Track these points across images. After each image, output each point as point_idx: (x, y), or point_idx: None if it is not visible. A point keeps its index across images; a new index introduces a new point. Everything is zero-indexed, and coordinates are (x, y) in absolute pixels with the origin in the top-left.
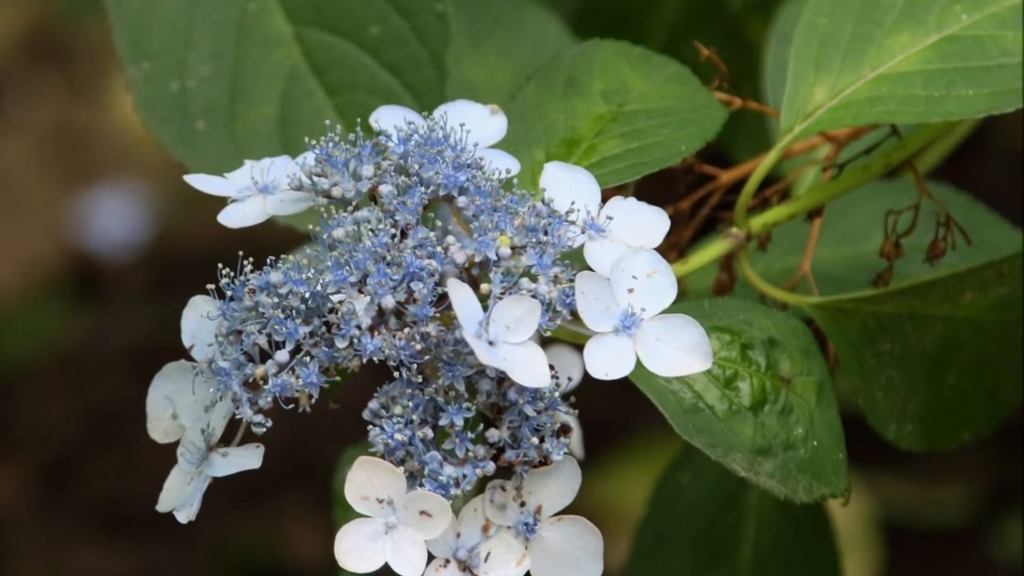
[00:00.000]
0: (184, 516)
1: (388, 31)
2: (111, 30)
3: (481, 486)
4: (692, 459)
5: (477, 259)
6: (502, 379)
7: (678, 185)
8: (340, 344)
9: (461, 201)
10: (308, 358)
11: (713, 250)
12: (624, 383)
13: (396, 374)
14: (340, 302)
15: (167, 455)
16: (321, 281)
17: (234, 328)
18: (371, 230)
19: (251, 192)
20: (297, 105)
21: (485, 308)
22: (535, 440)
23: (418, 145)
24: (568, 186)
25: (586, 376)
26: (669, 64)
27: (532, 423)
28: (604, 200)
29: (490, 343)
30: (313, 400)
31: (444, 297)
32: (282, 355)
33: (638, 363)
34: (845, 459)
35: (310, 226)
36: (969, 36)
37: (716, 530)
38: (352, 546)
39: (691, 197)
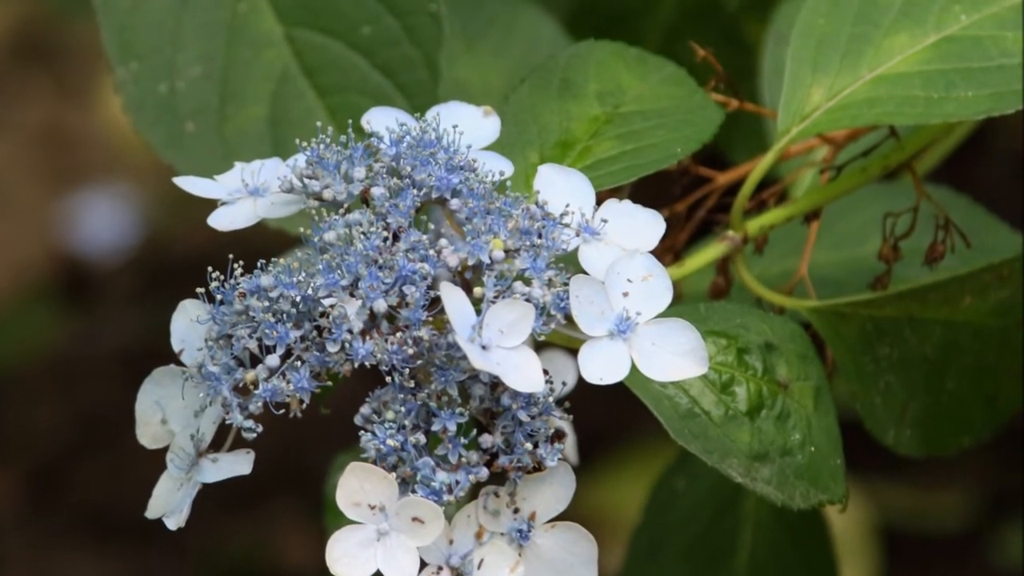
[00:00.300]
0: (173, 522)
1: (380, 31)
2: (100, 31)
3: (474, 492)
4: (688, 465)
5: (470, 262)
6: (495, 384)
7: (674, 187)
8: (331, 348)
9: (454, 204)
10: (299, 363)
11: (709, 253)
12: (619, 388)
13: (388, 379)
14: (331, 306)
15: (156, 461)
16: (312, 285)
17: (224, 332)
18: (363, 233)
19: (241, 195)
20: (288, 106)
21: (478, 312)
22: (529, 446)
23: (410, 147)
24: (562, 188)
25: (580, 381)
26: (665, 65)
27: (526, 428)
28: (599, 202)
29: (483, 347)
30: (304, 405)
31: (437, 301)
32: (273, 360)
33: (633, 368)
34: (843, 465)
35: (301, 229)
36: (968, 37)
37: (712, 536)
38: (344, 553)
39: (687, 199)
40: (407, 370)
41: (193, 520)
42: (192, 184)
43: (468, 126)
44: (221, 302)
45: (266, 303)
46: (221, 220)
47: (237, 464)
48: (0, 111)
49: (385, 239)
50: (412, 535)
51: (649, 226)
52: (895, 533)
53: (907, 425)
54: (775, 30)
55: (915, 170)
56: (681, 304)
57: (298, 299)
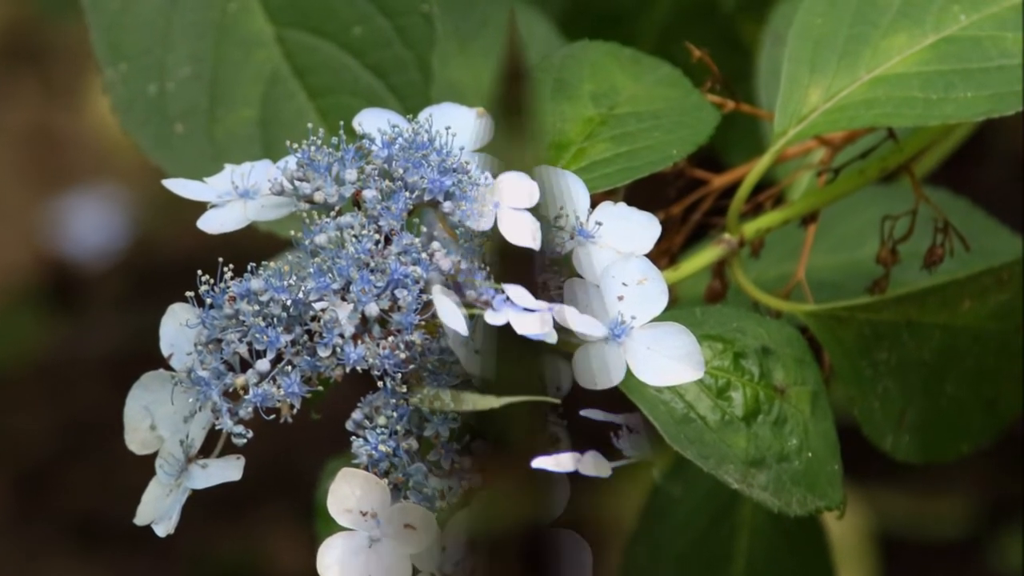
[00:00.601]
0: (163, 529)
1: (372, 32)
2: (88, 31)
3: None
4: (684, 471)
5: (463, 266)
6: None
7: (669, 190)
8: (323, 353)
9: (447, 206)
10: (290, 367)
11: (705, 256)
12: (614, 392)
13: (380, 384)
14: (323, 310)
15: (145, 467)
16: (303, 288)
17: (214, 336)
18: (354, 236)
19: (231, 197)
20: (279, 108)
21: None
22: None
23: (402, 149)
24: (556, 191)
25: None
26: (660, 66)
27: None
28: (593, 205)
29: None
30: (295, 410)
31: (429, 305)
32: (263, 364)
33: (628, 372)
34: (840, 471)
35: (292, 232)
36: (968, 37)
37: (709, 543)
38: (335, 560)
39: (683, 202)
40: (399, 375)
41: (182, 527)
42: (181, 186)
43: (461, 127)
44: (211, 306)
45: (256, 307)
46: (211, 223)
47: (227, 470)
48: None
49: (377, 242)
50: (404, 542)
51: (644, 229)
52: (893, 540)
53: (905, 430)
54: (772, 30)
55: (914, 172)
56: (677, 308)
57: (289, 303)
